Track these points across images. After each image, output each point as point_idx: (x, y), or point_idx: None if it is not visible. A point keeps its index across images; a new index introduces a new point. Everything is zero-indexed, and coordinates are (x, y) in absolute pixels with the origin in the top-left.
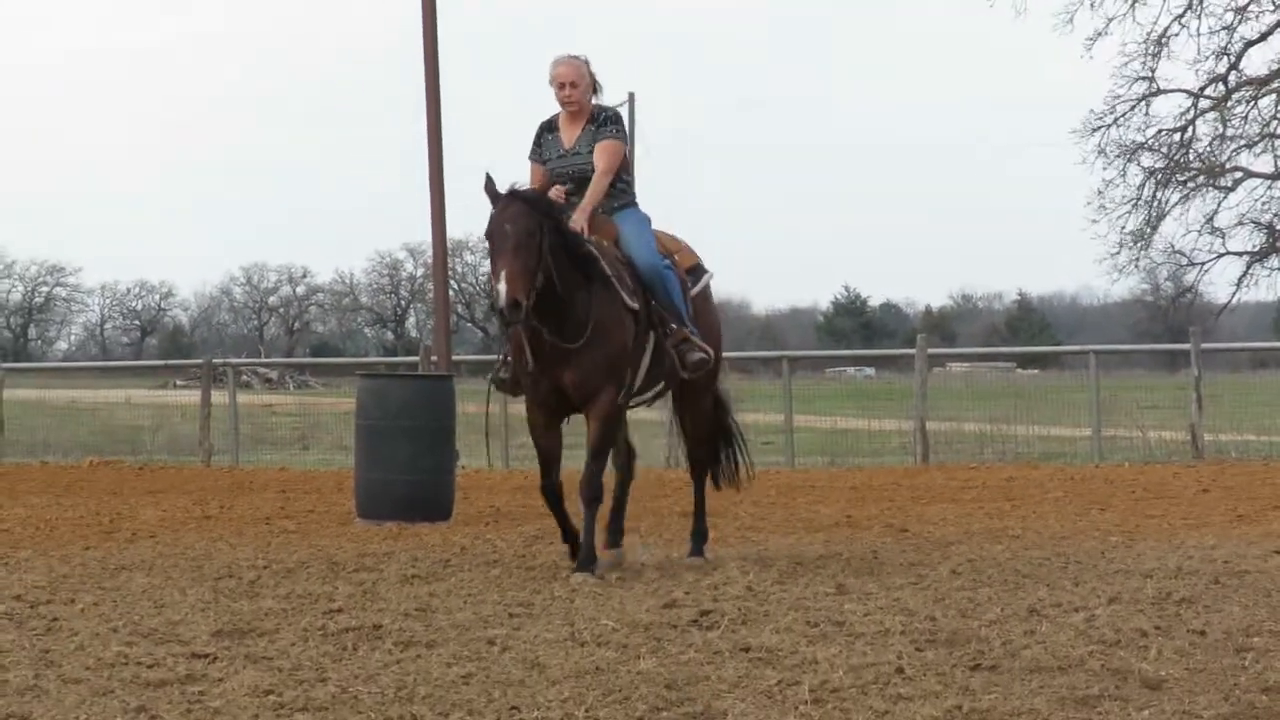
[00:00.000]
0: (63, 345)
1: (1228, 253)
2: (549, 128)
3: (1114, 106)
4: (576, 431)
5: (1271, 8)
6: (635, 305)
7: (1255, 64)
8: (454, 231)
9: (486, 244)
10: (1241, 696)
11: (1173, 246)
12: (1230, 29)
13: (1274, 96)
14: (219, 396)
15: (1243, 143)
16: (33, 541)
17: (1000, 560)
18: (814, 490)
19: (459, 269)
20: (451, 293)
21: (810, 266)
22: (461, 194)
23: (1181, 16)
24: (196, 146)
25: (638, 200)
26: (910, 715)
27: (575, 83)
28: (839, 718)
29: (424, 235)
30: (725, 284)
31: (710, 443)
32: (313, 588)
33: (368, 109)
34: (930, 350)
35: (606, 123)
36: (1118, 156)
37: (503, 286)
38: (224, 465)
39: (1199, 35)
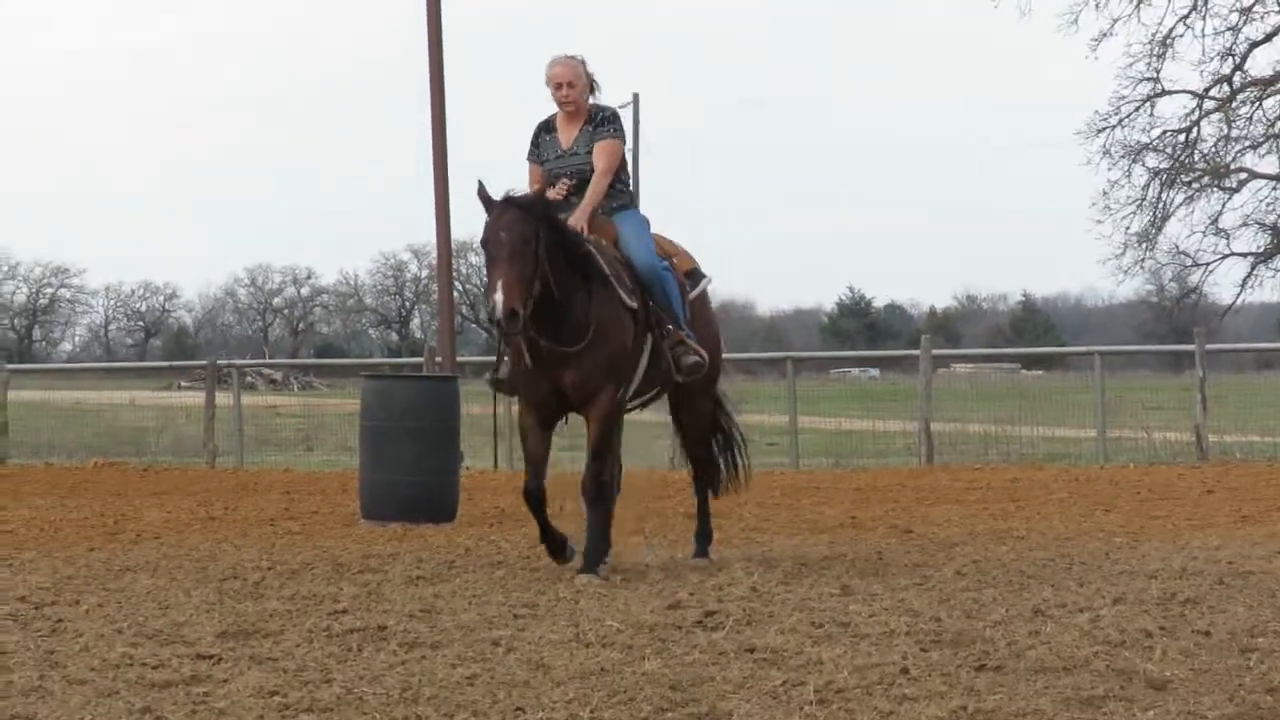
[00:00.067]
0: (67, 346)
1: (1232, 254)
2: (546, 128)
3: (1119, 107)
4: (578, 434)
5: (1277, 8)
6: (634, 304)
7: (1260, 65)
8: (458, 232)
9: (482, 252)
10: (1246, 697)
11: (1177, 247)
12: (1235, 30)
13: (1279, 97)
14: (223, 398)
15: (1247, 144)
16: (37, 543)
17: (1005, 561)
18: (819, 491)
19: (463, 270)
20: (456, 294)
21: (814, 267)
22: (466, 194)
23: (1186, 17)
24: (197, 146)
25: (637, 202)
26: (915, 716)
27: (572, 83)
28: (844, 718)
29: (428, 236)
30: (729, 285)
31: (710, 446)
32: (317, 589)
33: (370, 109)
34: (935, 351)
35: (604, 122)
36: (1122, 157)
37: (499, 297)
38: (228, 466)
39: (1204, 36)
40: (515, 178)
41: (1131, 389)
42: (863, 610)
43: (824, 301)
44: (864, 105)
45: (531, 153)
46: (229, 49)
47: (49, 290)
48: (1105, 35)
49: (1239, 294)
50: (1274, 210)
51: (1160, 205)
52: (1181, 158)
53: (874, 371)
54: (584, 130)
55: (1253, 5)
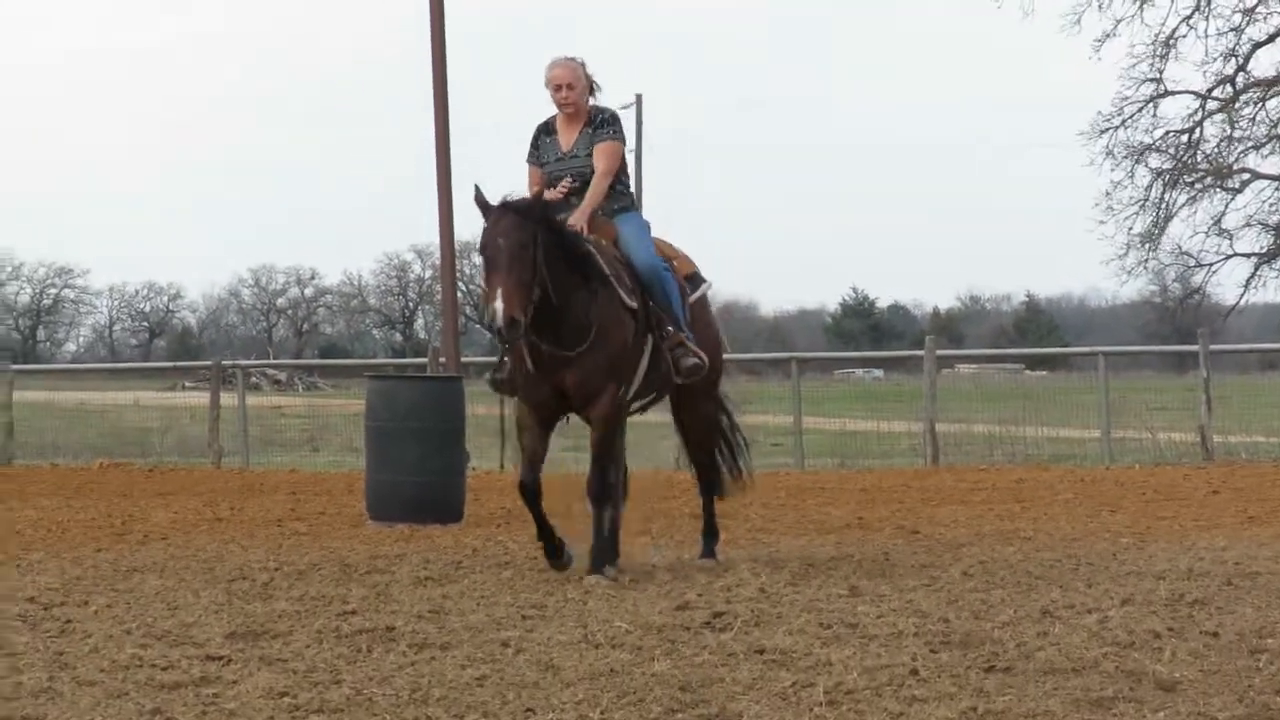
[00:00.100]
0: (71, 347)
1: (1235, 254)
2: (546, 130)
3: (1122, 108)
4: (582, 434)
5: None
6: (634, 304)
7: (1263, 65)
8: (461, 233)
9: (480, 259)
10: (1255, 698)
11: (1180, 248)
12: (1238, 30)
13: None
14: (228, 398)
15: (1250, 144)
16: (45, 544)
17: (1012, 562)
18: (824, 492)
19: (467, 270)
20: (460, 294)
21: (817, 268)
22: (469, 195)
23: (1189, 18)
24: (199, 146)
25: (639, 204)
26: (925, 717)
27: (572, 84)
28: (853, 719)
29: (432, 237)
30: (733, 286)
31: (713, 448)
32: (326, 590)
33: (373, 109)
34: (939, 352)
35: (604, 124)
36: (1125, 158)
37: (499, 305)
38: (234, 467)
39: (1207, 37)
40: (517, 179)
41: (1136, 389)
42: (871, 611)
43: (828, 302)
44: (864, 105)
45: (531, 155)
46: (229, 49)
47: (53, 291)
48: (1108, 36)
49: (1242, 294)
50: (1277, 211)
51: (1163, 206)
52: (1184, 158)
53: (878, 372)
54: (584, 132)
55: (1255, 6)
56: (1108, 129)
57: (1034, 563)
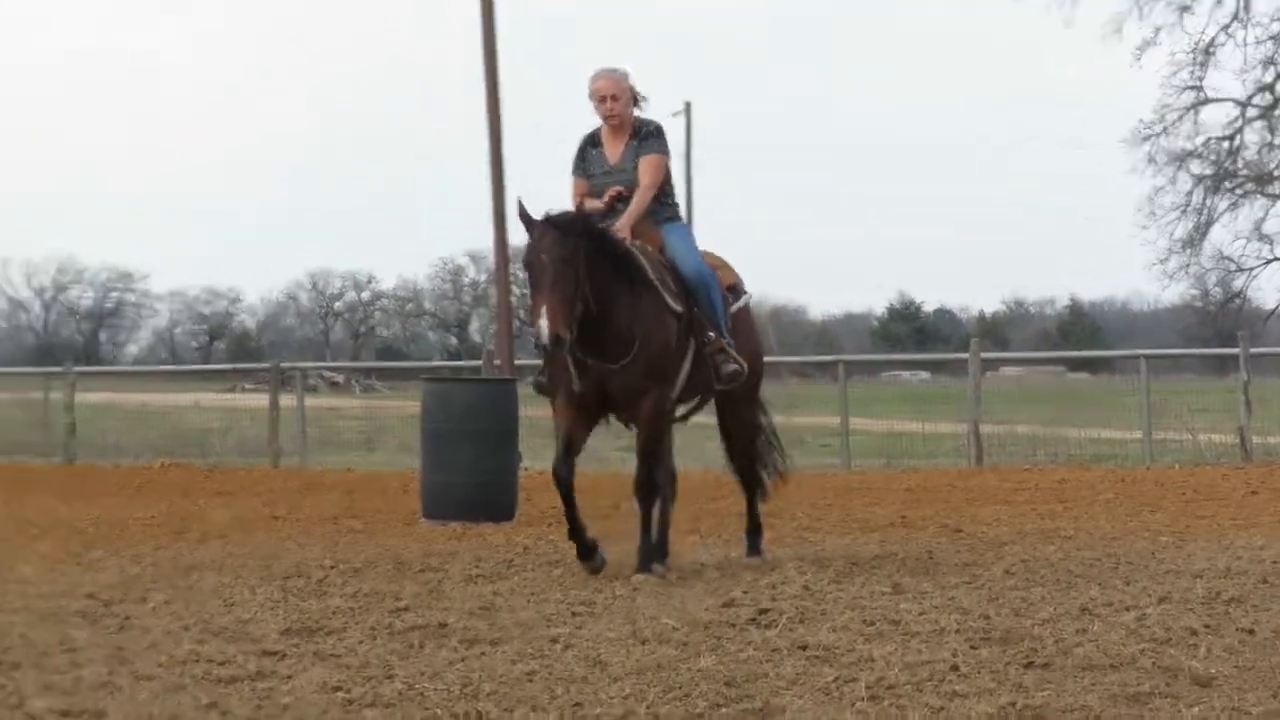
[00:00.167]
0: (133, 349)
1: (1276, 259)
2: (592, 142)
3: (1163, 115)
4: (633, 434)
5: None
6: (679, 309)
7: None
8: (515, 238)
9: (525, 274)
10: None
11: (1221, 253)
12: (1277, 39)
13: None
14: (286, 400)
15: None
16: (105, 541)
17: (1053, 560)
18: (870, 491)
19: (520, 275)
20: (513, 298)
21: (864, 272)
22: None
23: (1228, 26)
24: (260, 154)
25: (689, 214)
26: (965, 712)
27: (616, 96)
28: (895, 714)
29: (485, 242)
30: (781, 290)
31: (754, 452)
32: (380, 586)
33: (431, 116)
34: (984, 355)
35: (649, 136)
36: (1167, 164)
37: (544, 323)
38: (292, 467)
39: (1245, 45)
40: (553, 180)
41: (1176, 391)
42: (913, 608)
43: (874, 306)
44: (874, 105)
45: (577, 166)
46: (280, 51)
47: (115, 295)
48: (1149, 44)
49: None
50: None
51: (1204, 211)
52: (1225, 164)
53: (924, 374)
54: (630, 144)
55: None
56: (1149, 136)
57: (1074, 561)
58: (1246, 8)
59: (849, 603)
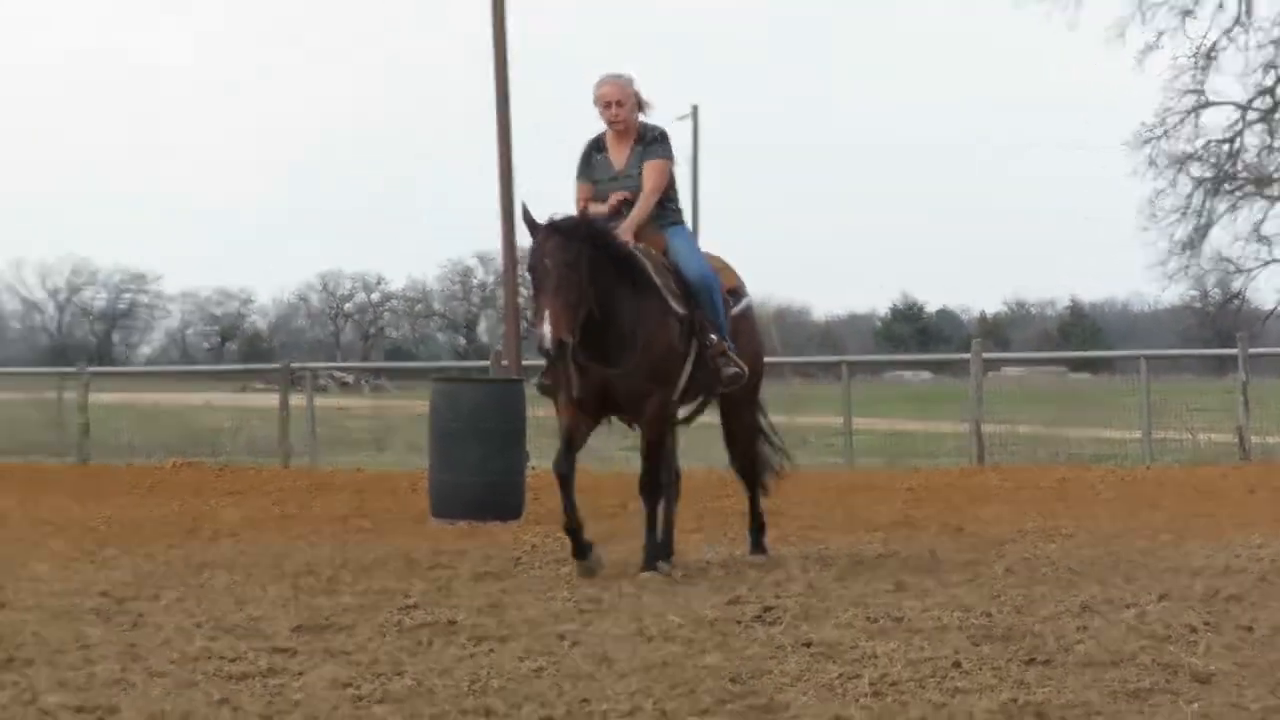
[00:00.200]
0: (146, 350)
1: (1274, 260)
2: (597, 147)
3: (1164, 118)
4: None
5: None
6: (682, 311)
7: None
8: (523, 239)
9: (529, 278)
10: None
11: (1220, 254)
12: (1277, 43)
13: None
14: (297, 399)
15: None
16: (119, 540)
17: (1054, 558)
18: (873, 490)
19: (528, 276)
20: (521, 299)
21: (867, 273)
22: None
23: (1230, 31)
24: (266, 157)
25: (692, 217)
26: (967, 708)
27: (621, 101)
28: (898, 710)
29: (493, 243)
30: (786, 290)
31: (755, 452)
32: (389, 584)
33: (438, 117)
34: (985, 355)
35: (654, 142)
36: (1168, 167)
37: (547, 328)
38: (302, 466)
39: (1247, 49)
40: (554, 180)
41: (1176, 391)
42: (916, 606)
43: (878, 307)
44: (874, 105)
45: (582, 170)
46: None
47: (128, 296)
48: (1151, 48)
49: None
50: None
51: (1204, 213)
52: (1225, 167)
53: (926, 374)
54: (635, 150)
55: None
56: (1150, 139)
57: (1075, 559)
58: (1248, 12)
59: (852, 600)
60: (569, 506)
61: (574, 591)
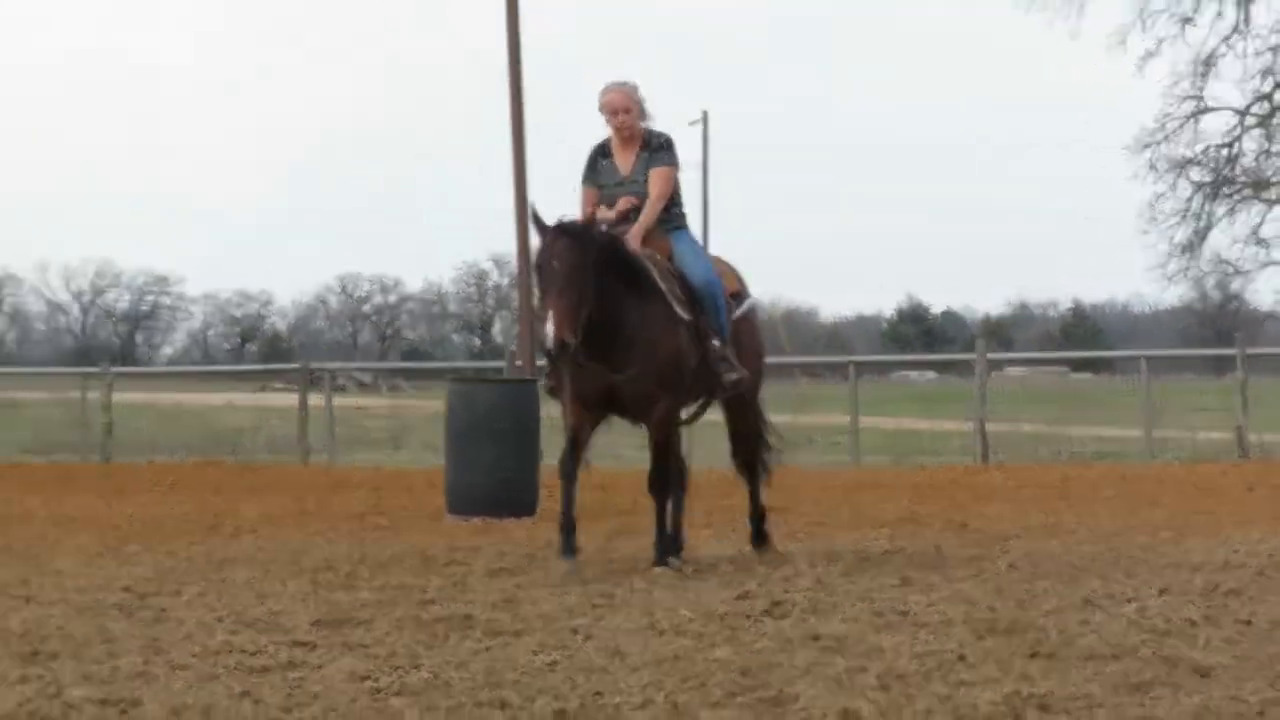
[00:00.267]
0: (168, 351)
1: (1272, 262)
2: (603, 153)
3: (1164, 123)
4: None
5: None
6: (687, 317)
7: None
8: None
9: (536, 277)
10: None
11: (1219, 256)
12: (1275, 50)
13: None
14: (315, 399)
15: None
16: (141, 536)
17: (1056, 554)
18: (879, 488)
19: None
20: (534, 300)
21: (867, 272)
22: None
23: (1229, 38)
24: (282, 159)
25: (701, 220)
26: (972, 700)
27: (627, 109)
28: (904, 703)
29: (508, 246)
30: (794, 291)
31: (756, 450)
32: (406, 580)
33: (452, 120)
34: (989, 355)
35: (660, 149)
36: (1168, 171)
37: (550, 328)
38: (320, 464)
39: (1245, 56)
40: (554, 179)
41: (1176, 391)
42: (921, 600)
43: (884, 308)
44: (874, 105)
45: (588, 176)
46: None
47: (150, 298)
48: (1151, 55)
49: (1278, 300)
50: None
51: (1203, 216)
52: (1224, 171)
53: (931, 374)
54: (641, 156)
55: None
56: (1150, 143)
57: (1077, 555)
58: (1246, 20)
59: (860, 595)
60: (567, 506)
61: (587, 586)
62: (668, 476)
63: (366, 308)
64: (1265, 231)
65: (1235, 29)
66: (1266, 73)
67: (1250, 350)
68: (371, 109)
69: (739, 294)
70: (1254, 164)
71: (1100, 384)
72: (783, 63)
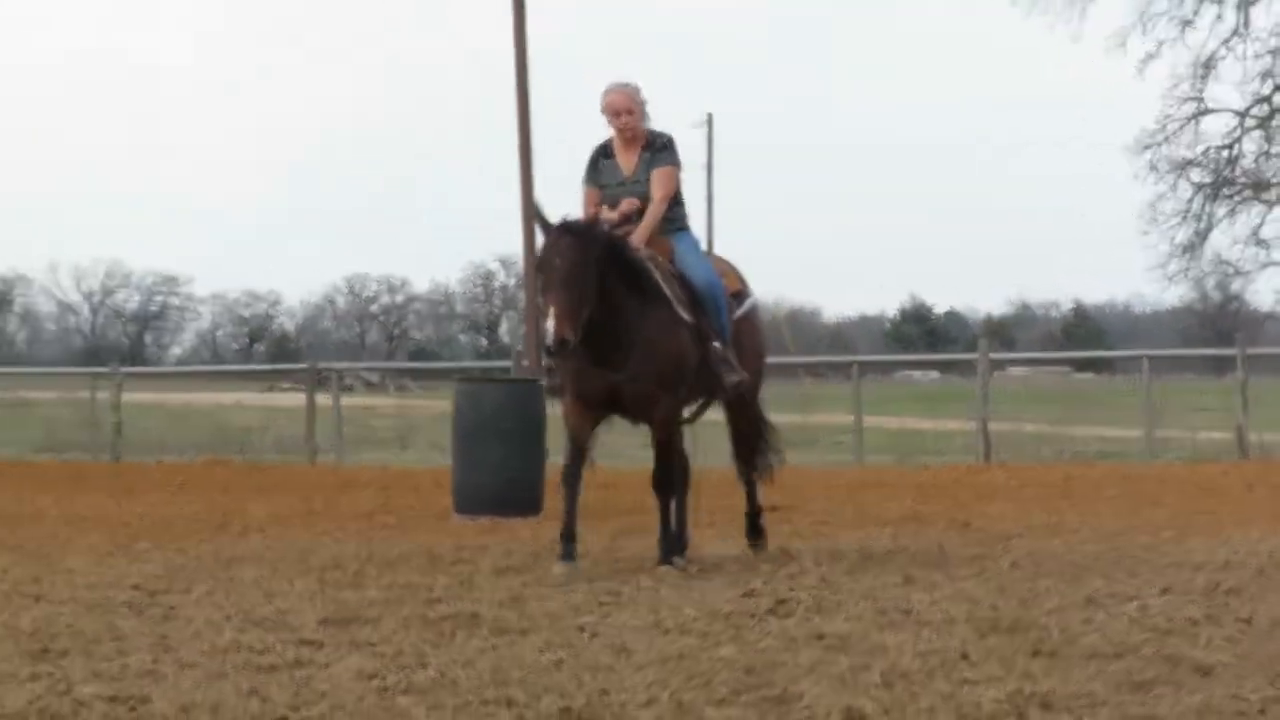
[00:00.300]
0: (176, 351)
1: (1272, 263)
2: (604, 153)
3: (1165, 125)
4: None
5: None
6: (689, 318)
7: None
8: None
9: (539, 275)
10: None
11: (1220, 257)
12: (1275, 53)
13: None
14: (323, 399)
15: None
16: (150, 535)
17: (1058, 553)
18: (882, 487)
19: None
20: (541, 301)
21: (868, 272)
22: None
23: (1228, 40)
24: (292, 160)
25: (704, 219)
26: (975, 698)
27: (630, 110)
28: (908, 701)
29: (514, 246)
30: (798, 292)
31: (756, 448)
32: (413, 579)
33: (460, 122)
34: (991, 355)
35: (662, 149)
36: (1168, 172)
37: (550, 325)
38: (328, 464)
39: (1245, 59)
40: (556, 178)
41: (1177, 391)
42: (924, 599)
43: (887, 308)
44: (874, 105)
45: (590, 176)
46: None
47: (159, 298)
48: (1152, 57)
49: (1278, 300)
50: None
51: (1204, 217)
52: (1224, 173)
53: (934, 374)
54: (643, 156)
55: None
56: (1151, 145)
57: (1079, 554)
58: (1246, 23)
59: (863, 593)
60: (569, 513)
61: (593, 585)
62: (672, 475)
63: (374, 308)
64: (1265, 232)
65: (1235, 32)
66: (1266, 75)
67: (1250, 350)
68: (372, 109)
69: (740, 293)
70: (1254, 165)
71: (1102, 384)
72: (784, 63)
